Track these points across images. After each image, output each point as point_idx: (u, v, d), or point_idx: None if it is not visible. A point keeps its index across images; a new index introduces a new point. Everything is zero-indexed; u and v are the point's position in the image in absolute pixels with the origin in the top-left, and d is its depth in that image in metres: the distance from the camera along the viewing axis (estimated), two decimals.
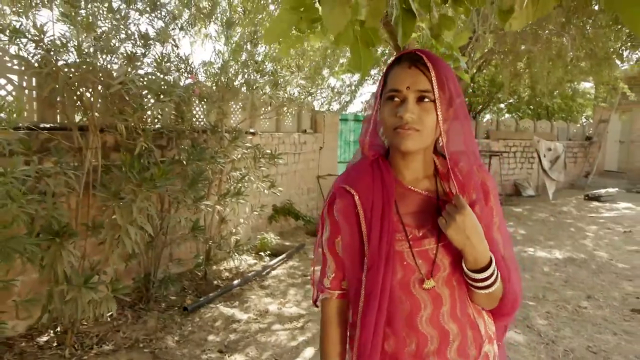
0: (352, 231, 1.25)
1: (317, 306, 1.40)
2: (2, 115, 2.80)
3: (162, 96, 3.39)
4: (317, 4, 1.34)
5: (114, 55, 3.42)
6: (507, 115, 18.04)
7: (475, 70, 11.21)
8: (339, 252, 1.30)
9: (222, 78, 4.83)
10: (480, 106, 15.92)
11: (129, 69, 3.34)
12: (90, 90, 3.40)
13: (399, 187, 1.25)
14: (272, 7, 6.72)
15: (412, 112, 1.14)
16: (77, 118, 4.05)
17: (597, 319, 4.38)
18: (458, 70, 2.63)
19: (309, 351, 3.65)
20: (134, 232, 3.44)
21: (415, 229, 1.22)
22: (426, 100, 1.14)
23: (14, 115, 2.80)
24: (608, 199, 12.12)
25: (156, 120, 4.22)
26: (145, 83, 3.41)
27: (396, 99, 1.16)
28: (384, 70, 1.25)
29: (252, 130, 6.43)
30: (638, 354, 3.69)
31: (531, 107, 16.86)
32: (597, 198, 12.15)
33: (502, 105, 18.10)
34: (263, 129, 7.29)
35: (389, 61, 1.17)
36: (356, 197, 1.24)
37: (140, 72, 3.79)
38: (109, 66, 3.44)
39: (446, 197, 1.24)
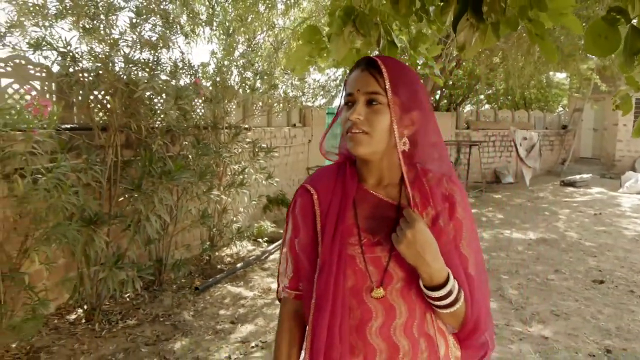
0: (308, 231, 1.24)
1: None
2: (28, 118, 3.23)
3: (178, 99, 3.85)
4: (324, 39, 1.83)
5: (133, 64, 3.86)
6: (487, 106, 18.66)
7: (454, 64, 11.75)
8: (298, 252, 1.27)
9: (221, 80, 5.30)
10: (461, 98, 16.52)
11: (149, 76, 3.79)
12: (111, 94, 3.84)
13: (360, 190, 1.23)
14: (280, 21, 7.17)
15: (359, 113, 1.13)
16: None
17: (562, 289, 4.96)
18: (433, 75, 3.13)
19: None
20: (154, 220, 3.92)
21: (370, 235, 1.18)
22: (374, 103, 1.13)
23: (55, 118, 3.25)
24: (582, 185, 12.78)
25: (163, 119, 4.68)
26: (162, 88, 3.87)
27: (349, 103, 1.17)
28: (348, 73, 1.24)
29: (246, 126, 6.89)
30: (593, 315, 4.28)
31: (509, 97, 17.51)
32: (572, 184, 12.81)
33: (481, 97, 18.73)
34: (255, 124, 7.75)
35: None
36: (315, 197, 1.23)
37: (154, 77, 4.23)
38: (131, 74, 3.88)
39: (409, 206, 1.19)
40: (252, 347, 3.68)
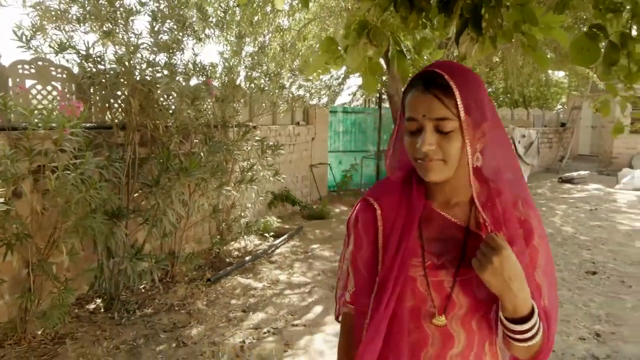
0: (370, 246, 1.19)
1: (339, 322, 1.34)
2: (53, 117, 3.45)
3: (195, 100, 4.07)
4: (340, 49, 2.05)
5: (152, 67, 4.08)
6: None
7: None
8: (361, 267, 1.22)
9: (230, 80, 5.52)
10: None
11: (169, 78, 4.02)
12: (131, 96, 4.06)
13: (426, 209, 1.16)
14: (285, 22, 7.40)
15: (430, 143, 1.04)
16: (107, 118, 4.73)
17: (557, 280, 5.19)
18: None
19: (318, 308, 4.41)
20: (171, 214, 4.15)
21: (435, 257, 1.12)
22: (446, 130, 1.04)
23: (87, 118, 3.47)
24: (580, 181, 13.01)
25: (177, 118, 4.90)
26: (181, 88, 4.10)
27: (413, 128, 1.08)
28: (404, 89, 1.16)
29: (253, 125, 7.12)
30: (585, 303, 4.52)
31: (508, 96, 17.73)
32: (570, 180, 13.04)
33: None
34: (261, 122, 7.97)
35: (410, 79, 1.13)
36: (378, 212, 1.18)
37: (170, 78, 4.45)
38: (147, 76, 4.11)
39: (478, 230, 1.13)
40: (264, 332, 3.91)
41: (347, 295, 1.27)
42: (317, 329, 4.00)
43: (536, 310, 1.06)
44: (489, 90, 18.26)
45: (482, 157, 1.12)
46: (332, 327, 3.99)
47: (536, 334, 1.05)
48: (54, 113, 3.24)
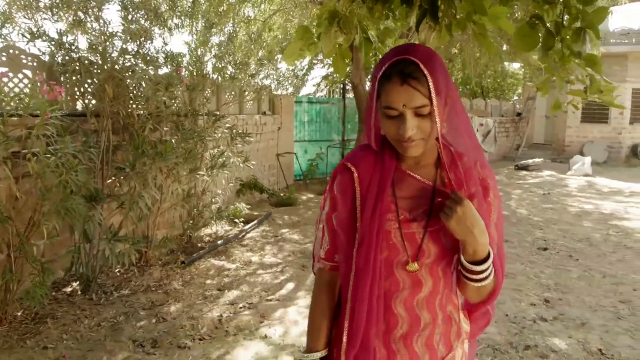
0: (347, 207, 1.30)
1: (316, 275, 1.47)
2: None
3: (169, 87, 4.22)
4: (314, 37, 2.28)
5: (126, 55, 4.20)
6: None
7: None
8: (335, 226, 1.34)
9: (198, 69, 5.66)
10: None
11: (145, 65, 4.15)
12: (106, 83, 4.17)
13: (398, 170, 1.29)
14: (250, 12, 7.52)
15: (412, 128, 1.16)
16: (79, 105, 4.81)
17: (511, 255, 5.59)
18: None
19: (290, 285, 4.65)
20: (147, 197, 4.29)
21: (407, 212, 1.25)
22: (423, 114, 1.17)
23: (58, 107, 3.57)
24: (534, 168, 13.65)
25: (149, 105, 5.02)
26: (155, 76, 4.23)
27: (393, 115, 1.18)
28: (375, 70, 1.25)
29: (222, 114, 7.26)
30: (536, 275, 4.92)
31: (467, 87, 18.30)
32: (525, 167, 13.66)
33: None
34: (229, 112, 8.10)
35: (380, 68, 1.22)
36: (355, 174, 1.30)
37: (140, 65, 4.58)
38: (124, 63, 4.23)
39: (444, 187, 1.27)
40: (240, 307, 4.12)
41: (322, 252, 1.40)
42: (290, 303, 4.24)
43: (492, 255, 1.20)
44: None
45: (445, 126, 1.25)
46: (305, 301, 4.23)
47: (489, 275, 1.21)
48: (33, 99, 3.35)
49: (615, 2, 11.40)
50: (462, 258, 1.21)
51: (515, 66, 18.51)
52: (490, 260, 1.20)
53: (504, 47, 10.10)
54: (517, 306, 4.13)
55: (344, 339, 1.28)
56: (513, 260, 5.40)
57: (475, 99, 16.65)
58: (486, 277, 1.20)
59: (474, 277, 1.20)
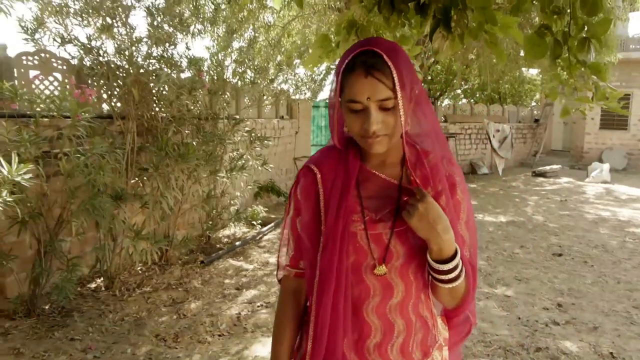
0: (311, 210, 1.25)
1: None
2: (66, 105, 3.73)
3: (192, 91, 4.38)
4: (333, 44, 2.40)
5: (149, 60, 4.38)
6: (463, 101, 19.42)
7: (432, 60, 12.41)
8: (300, 231, 1.29)
9: (218, 74, 5.83)
10: (439, 92, 17.25)
11: (170, 70, 4.32)
12: (133, 86, 4.34)
13: (363, 170, 1.25)
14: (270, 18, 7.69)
15: (377, 122, 1.12)
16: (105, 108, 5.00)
17: (525, 261, 5.64)
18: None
19: None
20: (169, 197, 4.45)
21: (373, 212, 1.21)
22: (388, 107, 1.12)
23: (89, 108, 3.75)
24: (552, 175, 13.59)
25: (172, 109, 5.19)
26: (180, 80, 4.40)
27: (357, 108, 1.14)
28: (338, 64, 1.20)
29: (241, 118, 7.42)
30: (550, 279, 4.96)
31: (484, 92, 18.29)
32: (542, 174, 13.62)
33: (458, 91, 19.49)
34: (247, 116, 8.27)
35: (343, 61, 1.17)
36: (318, 176, 1.25)
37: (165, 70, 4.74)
38: (146, 68, 4.40)
39: (409, 186, 1.22)
40: (258, 306, 4.24)
41: (286, 259, 1.36)
42: None
43: (459, 252, 1.15)
44: (465, 87, 18.83)
45: (410, 122, 1.21)
46: None
47: (459, 275, 1.15)
48: (64, 101, 3.52)
49: (635, 8, 11.34)
50: (429, 257, 1.16)
51: (533, 72, 18.44)
52: (458, 258, 1.14)
53: (521, 53, 10.12)
54: (529, 310, 4.18)
55: (309, 347, 1.22)
56: (528, 265, 5.45)
57: (493, 105, 16.63)
58: (456, 278, 1.15)
59: (443, 277, 1.15)
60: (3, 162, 2.85)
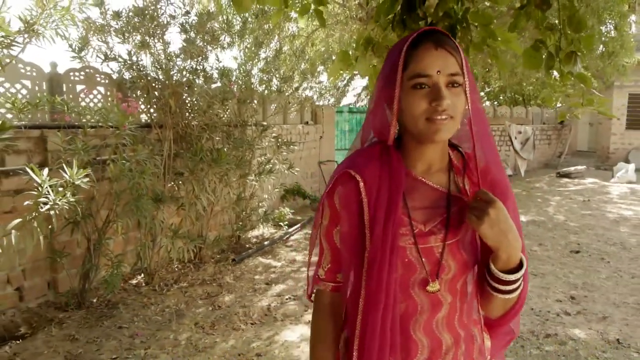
0: (353, 220, 1.15)
1: (312, 301, 1.31)
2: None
3: (225, 101, 4.75)
4: (352, 59, 2.71)
5: (184, 72, 4.77)
6: (487, 103, 19.50)
7: None
8: (337, 242, 1.20)
9: (246, 83, 6.21)
10: None
11: (204, 81, 4.70)
12: (170, 98, 4.73)
13: (408, 178, 1.15)
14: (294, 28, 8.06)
15: (448, 98, 1.04)
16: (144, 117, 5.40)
17: (543, 257, 5.83)
18: None
19: None
20: (204, 199, 4.81)
21: (422, 224, 1.12)
22: (456, 85, 1.05)
23: (130, 119, 4.14)
24: (577, 176, 13.58)
25: (204, 117, 5.57)
26: (213, 91, 4.78)
27: (424, 86, 1.05)
28: (396, 47, 1.13)
29: (268, 124, 7.79)
30: (565, 275, 5.16)
31: (507, 94, 18.34)
32: (567, 175, 13.62)
33: (482, 94, 19.56)
34: (274, 122, 8.63)
35: (405, 40, 1.09)
36: (361, 184, 1.14)
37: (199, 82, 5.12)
38: (183, 79, 4.79)
39: (459, 194, 1.15)
40: (287, 298, 4.57)
41: (321, 272, 1.26)
42: None
43: (525, 262, 1.08)
44: (487, 89, 18.90)
45: (473, 124, 1.13)
46: None
47: (520, 285, 1.09)
48: (111, 113, 3.92)
49: None
50: (493, 267, 1.08)
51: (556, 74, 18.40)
52: (524, 268, 1.08)
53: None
54: (543, 302, 4.40)
55: None
56: (544, 262, 5.65)
57: (516, 107, 16.68)
58: (517, 288, 1.09)
59: (505, 287, 1.08)
60: (66, 168, 3.25)
